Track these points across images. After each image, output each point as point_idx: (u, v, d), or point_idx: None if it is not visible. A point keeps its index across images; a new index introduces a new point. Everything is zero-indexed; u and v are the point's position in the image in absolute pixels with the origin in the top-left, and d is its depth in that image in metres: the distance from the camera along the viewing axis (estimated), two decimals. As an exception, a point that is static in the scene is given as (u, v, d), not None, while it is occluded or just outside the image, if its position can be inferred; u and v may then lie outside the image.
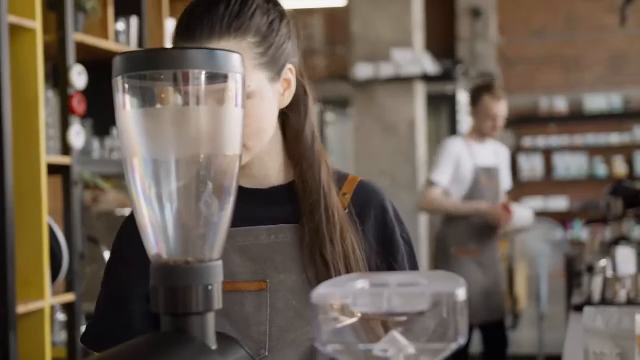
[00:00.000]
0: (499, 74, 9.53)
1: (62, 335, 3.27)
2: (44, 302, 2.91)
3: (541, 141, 9.76)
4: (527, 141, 9.79)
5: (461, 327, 0.68)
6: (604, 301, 2.79)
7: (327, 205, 1.29)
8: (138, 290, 1.27)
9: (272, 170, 1.34)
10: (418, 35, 6.63)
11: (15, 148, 2.81)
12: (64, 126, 3.15)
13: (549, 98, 9.76)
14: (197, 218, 0.78)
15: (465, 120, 8.14)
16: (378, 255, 1.34)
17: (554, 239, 6.31)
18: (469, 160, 4.22)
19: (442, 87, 7.94)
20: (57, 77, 3.23)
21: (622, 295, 2.78)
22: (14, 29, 2.84)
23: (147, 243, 0.78)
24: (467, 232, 4.20)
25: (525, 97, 9.77)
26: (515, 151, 9.70)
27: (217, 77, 0.78)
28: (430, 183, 4.22)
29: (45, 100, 3.01)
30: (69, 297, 3.14)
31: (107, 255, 3.29)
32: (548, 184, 9.79)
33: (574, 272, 4.46)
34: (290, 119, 1.34)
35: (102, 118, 3.46)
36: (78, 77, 3.17)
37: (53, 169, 3.07)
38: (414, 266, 1.38)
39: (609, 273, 2.95)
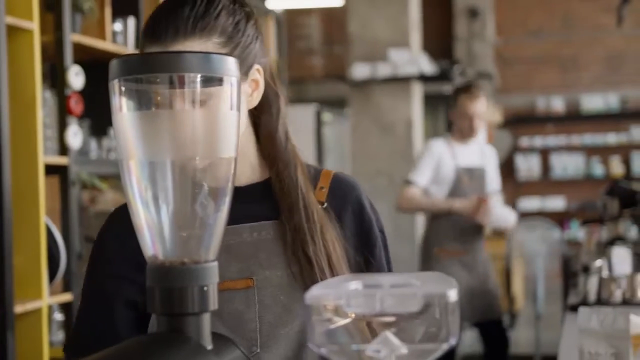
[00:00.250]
0: (497, 74, 9.54)
1: (59, 335, 3.27)
2: (42, 302, 2.91)
3: (538, 141, 9.77)
4: (524, 141, 9.79)
5: (453, 327, 0.69)
6: (600, 301, 2.80)
7: (306, 204, 1.31)
8: (121, 294, 1.28)
9: (246, 168, 1.34)
10: (415, 36, 6.64)
11: (13, 148, 2.82)
12: (62, 127, 3.16)
13: (547, 98, 9.77)
14: (193, 220, 0.79)
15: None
16: (356, 250, 1.36)
17: (551, 239, 6.33)
18: (450, 161, 4.22)
19: (439, 87, 7.94)
20: (55, 77, 3.23)
21: (617, 295, 2.79)
22: (12, 30, 2.84)
23: (143, 244, 0.79)
24: (451, 232, 4.19)
25: (523, 97, 9.78)
26: (513, 151, 9.71)
27: (212, 81, 0.79)
28: (407, 182, 4.22)
29: (42, 101, 3.02)
30: (67, 297, 3.15)
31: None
32: (545, 184, 9.80)
33: (570, 272, 4.46)
34: (262, 120, 1.34)
35: (99, 118, 3.47)
36: (75, 77, 3.17)
37: (51, 170, 3.08)
38: (387, 257, 1.42)
39: (605, 273, 2.95)
